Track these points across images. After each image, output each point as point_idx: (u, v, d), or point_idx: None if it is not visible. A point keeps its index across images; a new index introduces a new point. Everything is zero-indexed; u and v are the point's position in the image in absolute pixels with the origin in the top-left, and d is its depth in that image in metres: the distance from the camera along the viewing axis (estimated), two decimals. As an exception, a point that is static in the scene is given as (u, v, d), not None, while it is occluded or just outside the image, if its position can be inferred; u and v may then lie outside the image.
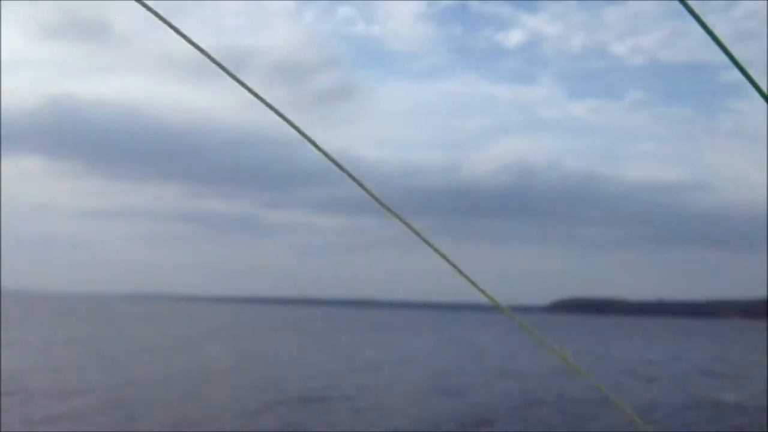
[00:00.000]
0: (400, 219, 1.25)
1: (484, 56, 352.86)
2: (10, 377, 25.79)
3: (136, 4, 1.09)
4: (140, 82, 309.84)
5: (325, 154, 1.20)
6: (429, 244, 1.25)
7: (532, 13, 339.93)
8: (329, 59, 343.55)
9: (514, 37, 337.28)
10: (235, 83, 1.17)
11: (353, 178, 1.22)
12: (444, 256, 1.25)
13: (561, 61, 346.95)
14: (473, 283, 1.24)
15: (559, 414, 22.85)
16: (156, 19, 1.10)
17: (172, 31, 1.12)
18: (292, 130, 1.19)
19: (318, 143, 1.21)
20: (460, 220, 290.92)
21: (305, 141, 1.18)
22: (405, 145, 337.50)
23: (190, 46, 1.12)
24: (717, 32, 1.03)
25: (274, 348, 48.10)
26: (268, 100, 1.19)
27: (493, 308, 1.31)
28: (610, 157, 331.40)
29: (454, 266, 1.25)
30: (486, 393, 27.50)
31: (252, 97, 1.17)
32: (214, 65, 1.14)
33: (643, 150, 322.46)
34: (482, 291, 1.26)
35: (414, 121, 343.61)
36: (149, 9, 1.11)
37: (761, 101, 1.07)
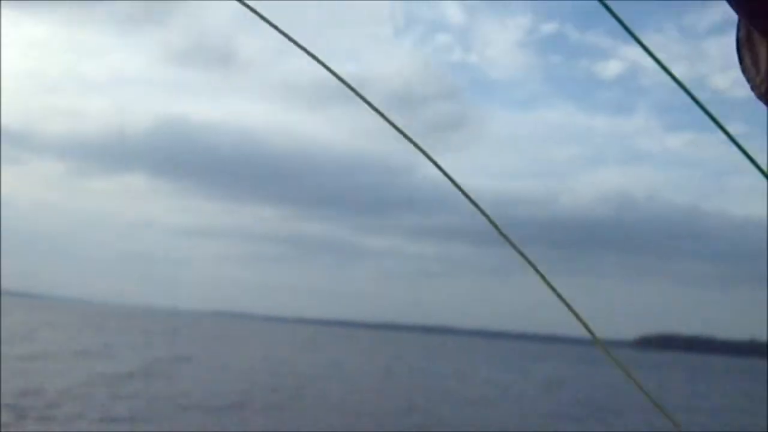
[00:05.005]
0: (514, 246, 1.24)
1: (581, 86, 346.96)
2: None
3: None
4: (257, 107, 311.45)
5: (447, 175, 1.20)
6: (540, 274, 1.25)
7: (630, 43, 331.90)
8: (443, 89, 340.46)
9: (612, 68, 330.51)
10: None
11: (472, 202, 1.21)
12: (551, 286, 1.24)
13: (659, 92, 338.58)
14: (577, 315, 1.23)
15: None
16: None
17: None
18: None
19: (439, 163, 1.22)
20: (557, 250, 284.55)
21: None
22: (506, 174, 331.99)
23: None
24: None
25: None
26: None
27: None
28: (709, 192, 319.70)
29: (559, 295, 1.24)
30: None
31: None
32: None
33: (745, 184, 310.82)
34: (585, 324, 1.24)
35: (515, 149, 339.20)
36: (283, 33, 1.14)
37: None
